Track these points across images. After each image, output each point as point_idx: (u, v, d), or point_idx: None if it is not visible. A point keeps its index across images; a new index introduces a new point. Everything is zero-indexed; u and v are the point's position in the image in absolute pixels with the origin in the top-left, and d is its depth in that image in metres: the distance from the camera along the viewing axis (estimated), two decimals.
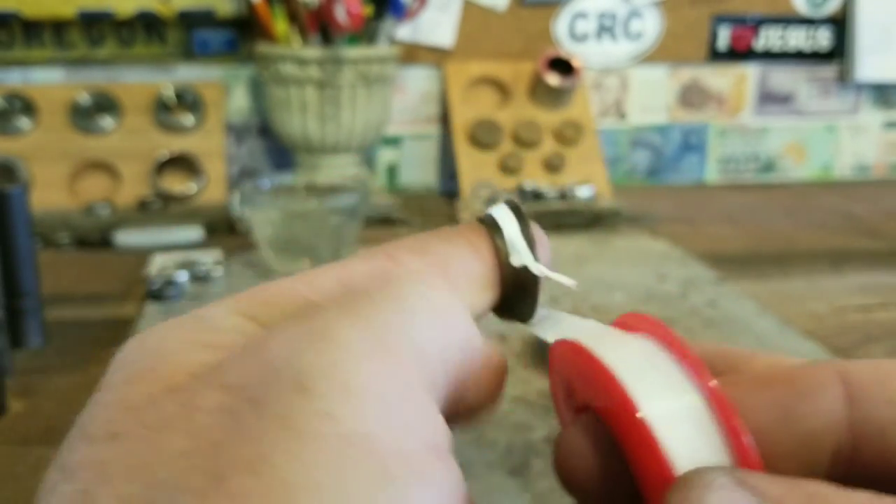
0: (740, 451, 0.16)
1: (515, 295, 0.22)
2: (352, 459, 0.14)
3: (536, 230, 0.22)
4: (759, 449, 0.16)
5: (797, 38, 1.13)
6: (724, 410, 0.16)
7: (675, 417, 0.16)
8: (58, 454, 0.16)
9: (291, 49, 0.90)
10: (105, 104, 0.95)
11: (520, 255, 0.21)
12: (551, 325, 0.22)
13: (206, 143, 0.95)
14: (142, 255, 0.78)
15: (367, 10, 0.89)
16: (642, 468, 0.16)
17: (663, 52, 1.09)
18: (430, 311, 0.17)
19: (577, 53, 1.04)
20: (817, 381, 0.17)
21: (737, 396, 0.16)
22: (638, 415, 0.16)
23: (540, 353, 0.59)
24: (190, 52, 0.99)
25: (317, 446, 0.14)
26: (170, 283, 0.69)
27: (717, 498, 0.15)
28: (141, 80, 0.98)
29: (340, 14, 0.87)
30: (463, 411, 0.19)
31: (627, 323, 0.20)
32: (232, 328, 0.18)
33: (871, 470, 0.16)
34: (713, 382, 0.16)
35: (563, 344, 0.19)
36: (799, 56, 1.13)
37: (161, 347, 0.17)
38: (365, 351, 0.16)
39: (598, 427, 0.17)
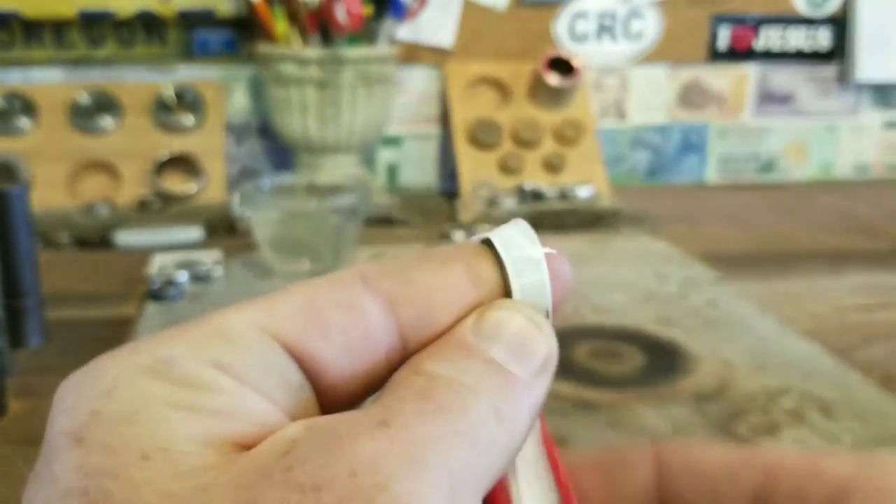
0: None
1: None
2: None
3: (555, 259, 0.20)
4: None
5: (797, 38, 1.13)
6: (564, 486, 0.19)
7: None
8: None
9: (291, 49, 0.90)
10: (105, 104, 0.95)
11: (525, 288, 0.19)
12: None
13: (206, 143, 0.95)
14: (142, 255, 0.78)
15: (367, 10, 0.89)
16: None
17: (663, 52, 1.09)
18: (487, 447, 0.16)
19: (577, 53, 1.04)
20: (635, 457, 0.21)
21: (573, 464, 0.20)
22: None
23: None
24: (190, 52, 0.99)
25: None
26: (170, 283, 0.69)
27: None
28: (141, 80, 0.98)
29: (340, 14, 0.87)
30: None
31: None
32: (217, 386, 0.16)
33: None
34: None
35: None
36: (799, 56, 1.13)
37: (146, 408, 0.16)
38: (443, 486, 0.15)
39: None
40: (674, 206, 1.01)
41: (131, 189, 0.93)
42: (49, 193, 0.90)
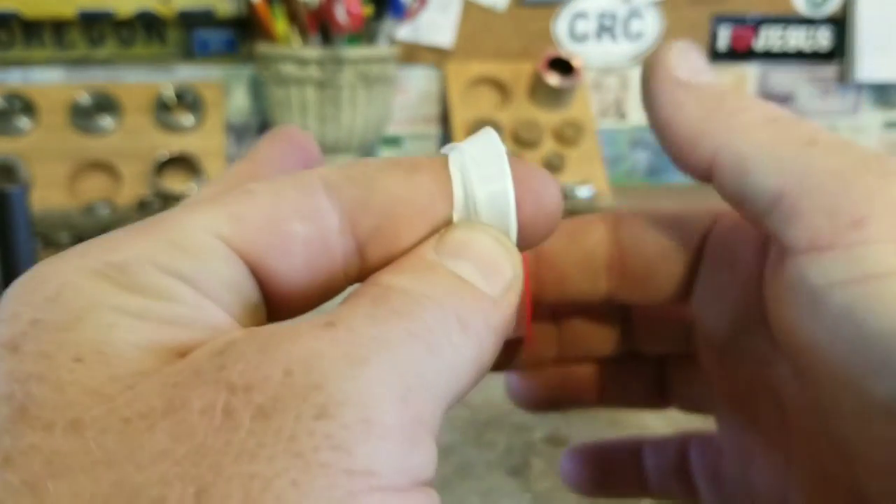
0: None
1: None
2: (354, 498, 0.13)
3: (533, 177, 0.18)
4: (555, 262, 0.24)
5: (797, 38, 1.13)
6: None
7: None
8: None
9: (291, 49, 0.90)
10: (105, 104, 0.95)
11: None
12: None
13: (206, 143, 0.95)
14: None
15: (367, 10, 0.89)
16: None
17: None
18: (449, 356, 0.15)
19: (577, 53, 1.04)
20: (593, 219, 0.25)
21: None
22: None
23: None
24: (190, 52, 0.99)
25: (322, 479, 0.13)
26: None
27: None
28: (141, 80, 0.98)
29: (340, 14, 0.87)
30: None
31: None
32: (175, 295, 0.15)
33: (636, 286, 0.24)
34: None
35: None
36: (799, 56, 1.13)
37: (91, 313, 0.14)
38: (392, 386, 0.14)
39: None
40: (674, 207, 1.01)
41: (131, 189, 0.93)
42: (49, 193, 0.90)
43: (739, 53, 1.12)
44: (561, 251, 0.24)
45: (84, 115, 0.94)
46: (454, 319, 0.16)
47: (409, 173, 0.17)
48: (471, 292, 0.16)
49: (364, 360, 0.14)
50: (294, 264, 0.16)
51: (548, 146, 1.00)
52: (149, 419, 0.13)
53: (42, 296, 0.15)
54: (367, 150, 1.01)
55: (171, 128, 0.95)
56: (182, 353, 0.15)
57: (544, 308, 0.26)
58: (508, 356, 0.22)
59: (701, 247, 0.24)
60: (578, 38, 1.07)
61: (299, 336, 0.14)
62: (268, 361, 0.14)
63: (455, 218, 0.18)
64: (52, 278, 0.15)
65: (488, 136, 0.18)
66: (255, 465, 0.13)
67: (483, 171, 0.17)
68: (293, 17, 0.90)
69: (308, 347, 0.14)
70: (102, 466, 0.13)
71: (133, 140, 0.94)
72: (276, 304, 0.17)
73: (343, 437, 0.13)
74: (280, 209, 0.16)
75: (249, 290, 0.16)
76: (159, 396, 0.13)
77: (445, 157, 0.18)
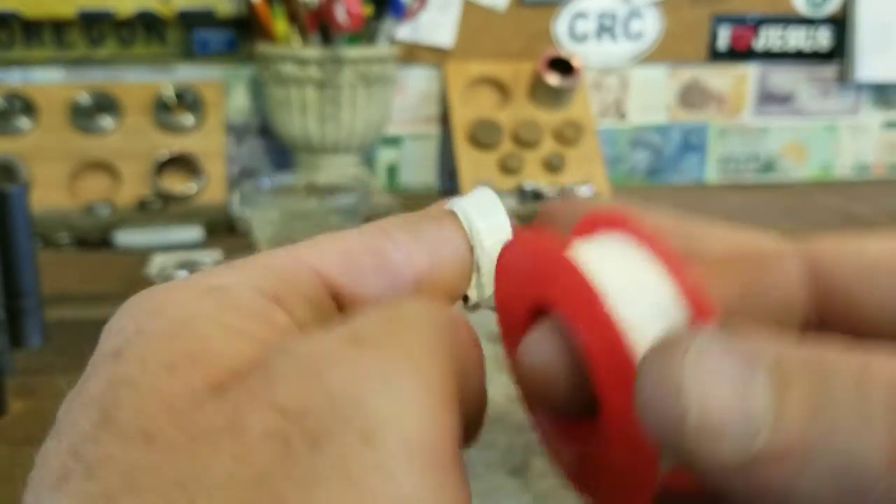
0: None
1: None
2: None
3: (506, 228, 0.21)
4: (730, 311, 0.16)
5: (797, 38, 1.13)
6: (695, 298, 0.15)
7: (646, 313, 0.15)
8: (66, 429, 0.15)
9: (291, 49, 0.90)
10: (105, 104, 0.95)
11: (484, 257, 0.21)
12: (491, 230, 0.21)
13: (206, 143, 0.95)
14: (142, 255, 0.78)
15: (367, 10, 0.89)
16: (604, 363, 0.15)
17: (663, 52, 1.09)
18: (474, 370, 0.18)
19: (577, 53, 1.04)
20: (777, 257, 0.17)
21: (699, 276, 0.16)
22: (604, 308, 0.15)
23: None
24: (190, 52, 0.99)
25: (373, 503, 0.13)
26: None
27: (699, 364, 0.13)
28: (141, 80, 0.98)
29: (340, 14, 0.87)
30: None
31: (590, 222, 0.19)
32: (259, 312, 0.17)
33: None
34: (685, 274, 0.16)
35: (520, 243, 0.19)
36: (799, 56, 1.13)
37: (191, 324, 0.16)
38: (428, 406, 0.15)
39: (560, 330, 0.17)
40: (674, 206, 1.01)
41: (131, 189, 0.93)
42: (49, 193, 0.90)
43: (739, 53, 1.11)
44: (737, 309, 0.17)
45: (84, 115, 0.94)
46: (455, 327, 0.18)
47: (441, 225, 0.21)
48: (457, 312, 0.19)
49: (398, 377, 0.15)
50: (367, 289, 0.19)
51: (548, 146, 1.00)
52: (212, 439, 0.14)
53: (147, 310, 0.16)
54: (367, 150, 1.01)
55: (171, 128, 0.95)
56: None
57: None
58: None
59: None
60: (578, 38, 1.07)
61: (334, 358, 0.15)
62: (313, 386, 0.14)
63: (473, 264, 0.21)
64: (158, 296, 0.17)
65: (485, 192, 0.22)
66: (314, 494, 0.13)
67: (488, 222, 0.21)
68: (293, 17, 0.90)
69: (345, 370, 0.15)
70: (173, 487, 0.13)
71: (133, 140, 0.94)
72: None
73: (389, 462, 0.14)
74: (353, 247, 0.19)
75: (329, 310, 0.19)
76: (222, 415, 0.14)
77: (453, 212, 0.21)
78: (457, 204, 0.21)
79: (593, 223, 0.18)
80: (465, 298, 0.21)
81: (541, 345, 0.17)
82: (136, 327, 0.16)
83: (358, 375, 0.15)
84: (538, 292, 0.18)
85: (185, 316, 0.16)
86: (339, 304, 0.19)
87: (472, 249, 0.21)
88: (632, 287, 0.16)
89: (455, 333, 0.17)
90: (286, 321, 0.17)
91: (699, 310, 0.15)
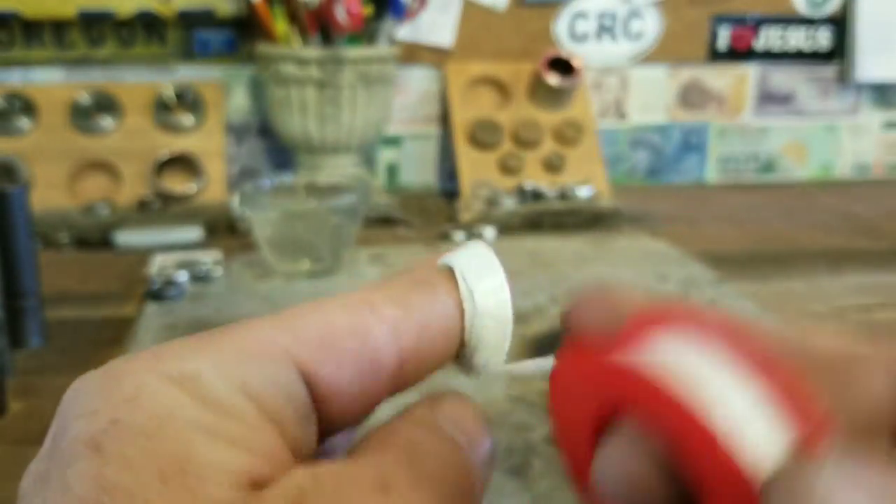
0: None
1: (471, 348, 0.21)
2: None
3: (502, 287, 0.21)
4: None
5: (797, 38, 1.13)
6: (793, 402, 0.15)
7: (744, 418, 0.15)
8: None
9: (291, 49, 0.90)
10: (105, 104, 0.95)
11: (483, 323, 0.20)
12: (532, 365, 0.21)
13: (206, 143, 0.95)
14: (142, 255, 0.78)
15: (367, 10, 0.89)
16: (711, 473, 0.15)
17: (663, 52, 1.09)
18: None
19: (577, 53, 1.04)
20: (869, 358, 0.16)
21: (795, 377, 0.16)
22: (704, 421, 0.15)
23: (540, 354, 0.59)
24: (190, 52, 0.99)
25: None
26: (170, 283, 0.69)
27: (841, 482, 0.13)
28: (141, 80, 0.98)
29: (340, 14, 0.87)
30: None
31: (648, 322, 0.17)
32: (234, 410, 0.16)
33: None
34: (774, 373, 0.15)
35: (575, 358, 0.19)
36: (799, 56, 1.13)
37: (170, 423, 0.15)
38: None
39: (639, 437, 0.17)
40: (674, 206, 1.01)
41: (131, 189, 0.93)
42: (49, 193, 0.90)
43: (739, 53, 1.11)
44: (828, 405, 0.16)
45: (84, 115, 0.94)
46: (462, 480, 0.18)
47: (432, 292, 0.20)
48: (467, 458, 0.18)
49: None
50: (345, 376, 0.18)
51: (548, 146, 1.00)
52: None
53: (120, 396, 0.16)
54: (367, 150, 1.01)
55: (171, 128, 0.95)
56: (253, 482, 0.15)
57: None
58: None
59: None
60: (578, 38, 1.07)
61: (362, 500, 0.15)
62: None
63: (465, 330, 0.20)
64: (128, 378, 0.16)
65: (480, 248, 0.21)
66: None
67: (485, 283, 0.20)
68: (293, 17, 0.90)
69: None
70: None
71: (133, 140, 0.94)
72: (325, 413, 0.18)
73: None
74: (332, 326, 0.18)
75: (303, 401, 0.18)
76: None
77: (451, 271, 0.20)
78: (452, 262, 0.21)
79: (645, 322, 0.17)
80: (458, 357, 0.21)
81: (621, 451, 0.17)
82: (111, 416, 0.15)
83: None
84: (608, 406, 0.18)
85: (163, 411, 0.15)
86: (313, 390, 0.18)
87: (463, 314, 0.20)
88: (726, 391, 0.15)
89: (468, 469, 0.18)
90: (258, 419, 0.16)
91: (804, 417, 0.15)
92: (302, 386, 0.17)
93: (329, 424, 0.18)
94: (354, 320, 0.18)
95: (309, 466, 0.16)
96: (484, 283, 0.20)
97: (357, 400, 0.18)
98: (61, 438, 0.16)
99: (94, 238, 0.83)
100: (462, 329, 0.20)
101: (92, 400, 0.16)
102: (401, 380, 0.19)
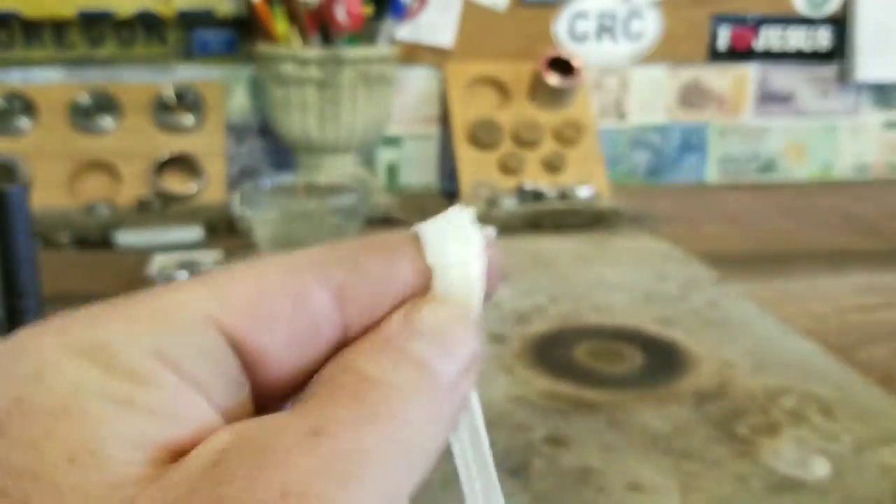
0: None
1: None
2: None
3: (488, 248, 0.19)
4: None
5: (797, 38, 1.12)
6: None
7: None
8: None
9: (291, 49, 0.90)
10: (105, 104, 0.95)
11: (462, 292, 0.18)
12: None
13: (206, 143, 0.95)
14: (142, 255, 0.78)
15: (367, 10, 0.89)
16: None
17: (663, 52, 1.09)
18: (419, 455, 0.16)
19: (577, 53, 1.03)
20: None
21: None
22: None
23: (540, 353, 0.59)
24: (190, 52, 0.99)
25: None
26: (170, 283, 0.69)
27: None
28: (141, 80, 0.98)
29: (340, 14, 0.87)
30: None
31: None
32: (156, 381, 0.15)
33: None
34: None
35: None
36: (799, 56, 1.13)
37: (76, 399, 0.14)
38: (379, 500, 0.15)
39: None
40: (674, 206, 1.01)
41: (131, 189, 0.93)
42: (49, 193, 0.90)
43: (739, 53, 1.11)
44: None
45: (84, 115, 0.94)
46: (423, 417, 0.16)
47: (390, 255, 0.18)
48: (434, 380, 0.17)
49: (357, 477, 0.14)
50: (279, 344, 0.16)
51: (548, 146, 1.00)
52: None
53: (23, 372, 0.15)
54: (367, 150, 1.01)
55: (171, 128, 0.95)
56: (171, 452, 0.15)
57: None
58: None
59: None
60: (578, 38, 1.07)
61: (289, 449, 0.14)
62: (264, 482, 0.14)
63: (430, 292, 0.18)
64: (33, 353, 0.15)
65: (457, 213, 0.19)
66: None
67: (452, 253, 0.18)
68: (293, 17, 0.90)
69: (299, 466, 0.14)
70: None
71: (133, 140, 0.94)
72: (259, 381, 0.17)
73: None
74: (266, 287, 0.16)
75: (232, 368, 0.16)
76: None
77: (417, 236, 0.19)
78: (422, 229, 0.19)
79: None
80: None
81: None
82: (14, 394, 0.14)
83: (314, 472, 0.14)
84: None
85: (69, 388, 0.14)
86: (243, 357, 0.16)
87: (430, 283, 0.18)
88: None
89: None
90: (176, 386, 0.15)
91: None
92: (227, 351, 0.16)
93: (266, 391, 0.17)
94: (291, 282, 0.17)
95: (234, 425, 0.15)
96: (451, 253, 0.18)
97: (295, 367, 0.17)
98: None
99: (94, 238, 0.83)
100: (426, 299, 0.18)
101: None
102: (345, 343, 0.18)
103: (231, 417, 0.16)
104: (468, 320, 0.18)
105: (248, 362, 0.16)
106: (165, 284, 0.17)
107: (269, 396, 0.17)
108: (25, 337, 0.15)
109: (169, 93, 0.96)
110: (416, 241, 0.19)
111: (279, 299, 0.17)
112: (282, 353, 0.17)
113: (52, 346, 0.15)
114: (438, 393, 0.17)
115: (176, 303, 0.16)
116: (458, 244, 0.19)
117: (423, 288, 0.18)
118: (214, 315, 0.16)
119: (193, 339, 0.16)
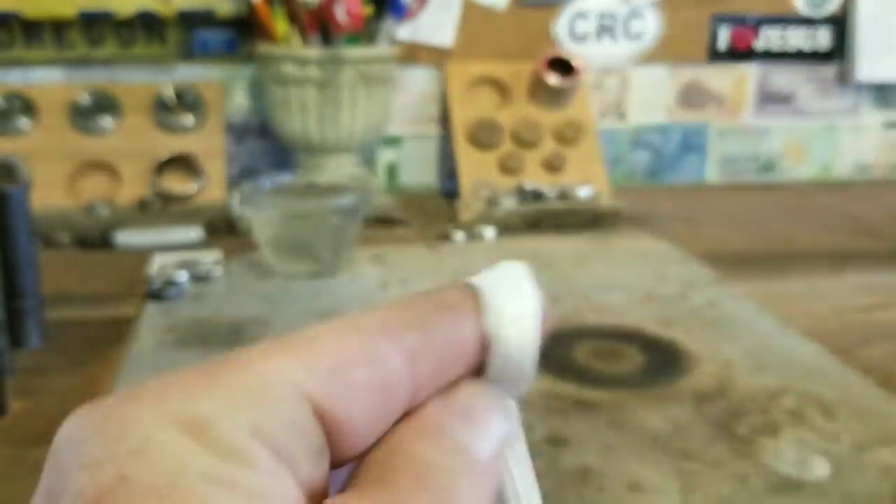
0: None
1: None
2: None
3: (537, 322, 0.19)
4: None
5: (797, 38, 1.12)
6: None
7: None
8: None
9: (291, 49, 0.90)
10: (105, 104, 0.95)
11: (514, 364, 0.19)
12: None
13: (206, 143, 0.95)
14: (142, 255, 0.78)
15: (367, 10, 0.89)
16: None
17: (663, 52, 1.09)
18: None
19: (577, 53, 1.03)
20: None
21: None
22: None
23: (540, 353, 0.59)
24: (190, 52, 0.99)
25: None
26: (170, 283, 0.69)
27: None
28: (141, 80, 0.98)
29: (340, 14, 0.87)
30: None
31: None
32: (247, 457, 0.15)
33: None
34: None
35: None
36: (799, 56, 1.13)
37: (182, 479, 0.14)
38: None
39: None
40: (674, 206, 1.01)
41: (131, 189, 0.93)
42: (49, 193, 0.90)
43: (739, 53, 1.11)
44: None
45: (84, 115, 0.94)
46: (469, 499, 0.17)
47: (454, 316, 0.18)
48: (472, 464, 0.17)
49: None
50: (360, 409, 0.17)
51: (548, 146, 1.00)
52: None
53: (126, 446, 0.15)
54: (367, 150, 1.01)
55: (171, 128, 0.95)
56: None
57: None
58: None
59: None
60: (578, 38, 1.07)
61: None
62: None
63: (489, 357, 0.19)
64: (133, 427, 0.15)
65: (514, 269, 0.20)
66: None
67: (509, 309, 0.19)
68: (293, 17, 0.90)
69: None
70: None
71: (133, 140, 0.94)
72: (337, 449, 0.17)
73: None
74: (346, 354, 0.17)
75: (317, 439, 0.16)
76: None
77: (475, 292, 0.19)
78: (480, 283, 0.19)
79: None
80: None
81: None
82: (118, 472, 0.14)
83: None
84: None
85: (174, 466, 0.14)
86: (327, 426, 0.17)
87: (483, 341, 0.18)
88: None
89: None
90: (274, 465, 0.15)
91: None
92: (315, 422, 0.16)
93: (341, 458, 0.17)
94: (369, 347, 0.17)
95: None
96: (508, 308, 0.19)
97: (368, 430, 0.17)
98: (61, 494, 0.14)
99: (94, 238, 0.83)
100: (480, 357, 0.19)
101: (93, 449, 0.15)
102: (412, 407, 0.18)
103: (310, 488, 0.16)
104: (506, 404, 0.19)
105: (331, 431, 0.17)
106: (248, 348, 0.17)
107: (345, 455, 0.17)
108: (122, 404, 0.15)
109: (169, 93, 0.96)
110: (475, 298, 0.19)
111: (360, 366, 0.17)
112: (360, 417, 0.17)
113: (152, 418, 0.15)
114: (477, 477, 0.17)
115: (268, 373, 0.16)
116: (515, 302, 0.19)
117: (483, 349, 0.18)
118: (302, 385, 0.16)
119: (285, 412, 0.16)
